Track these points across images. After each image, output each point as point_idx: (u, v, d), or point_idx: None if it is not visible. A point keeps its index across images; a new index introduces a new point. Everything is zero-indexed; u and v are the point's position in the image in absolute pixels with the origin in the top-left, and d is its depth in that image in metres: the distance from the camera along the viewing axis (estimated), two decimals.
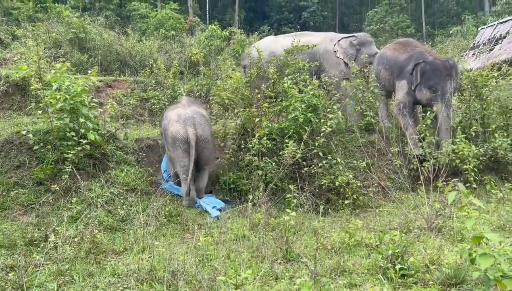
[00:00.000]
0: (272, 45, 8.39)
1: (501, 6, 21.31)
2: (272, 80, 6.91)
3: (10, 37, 11.72)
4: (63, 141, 5.54)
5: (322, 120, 6.29)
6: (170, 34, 13.79)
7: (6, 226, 4.61)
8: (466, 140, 6.28)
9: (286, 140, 5.98)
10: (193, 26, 18.56)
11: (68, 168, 5.18)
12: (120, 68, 10.86)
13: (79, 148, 5.40)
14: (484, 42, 13.65)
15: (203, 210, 5.75)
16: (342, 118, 6.81)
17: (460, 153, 6.06)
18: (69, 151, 5.32)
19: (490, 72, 7.24)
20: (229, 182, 6.25)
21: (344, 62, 8.13)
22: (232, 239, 4.55)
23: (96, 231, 4.36)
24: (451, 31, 20.74)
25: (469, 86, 7.17)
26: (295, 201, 5.08)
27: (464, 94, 7.35)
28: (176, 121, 5.89)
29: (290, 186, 5.33)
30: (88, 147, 5.49)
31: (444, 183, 4.66)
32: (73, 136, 5.50)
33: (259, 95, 6.70)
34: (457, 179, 3.73)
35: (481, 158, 6.22)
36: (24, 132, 5.63)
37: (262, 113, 6.48)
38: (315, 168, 5.95)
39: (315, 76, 7.48)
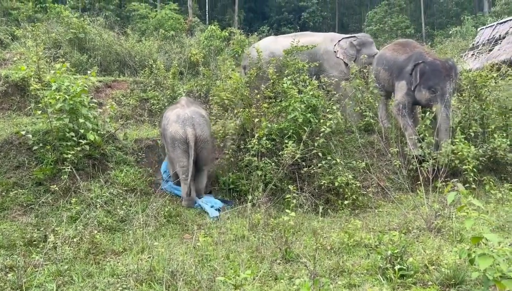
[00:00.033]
0: (272, 45, 8.40)
1: (500, 6, 21.34)
2: (272, 81, 6.92)
3: (10, 37, 11.71)
4: (62, 141, 5.54)
5: (321, 121, 6.30)
6: (170, 35, 13.80)
7: (6, 226, 4.61)
8: (466, 141, 6.29)
9: (286, 141, 5.98)
10: (193, 26, 18.58)
11: (68, 168, 5.18)
12: (119, 68, 10.86)
13: (79, 148, 5.40)
14: (483, 42, 13.67)
15: (202, 210, 5.75)
16: (341, 119, 6.82)
17: (459, 153, 6.06)
18: (68, 151, 5.32)
19: (489, 73, 7.25)
20: (229, 182, 6.25)
21: (344, 62, 8.14)
22: (232, 239, 4.55)
23: (96, 231, 4.37)
24: (450, 32, 20.77)
25: (468, 87, 7.18)
26: (294, 201, 5.10)
27: (464, 94, 7.36)
28: (175, 122, 5.89)
29: (289, 186, 5.34)
30: (87, 147, 5.49)
31: (444, 183, 4.66)
32: (72, 136, 5.50)
33: (258, 96, 6.70)
34: (456, 179, 3.73)
35: (480, 158, 6.23)
36: (23, 133, 5.63)
37: (262, 113, 6.48)
38: (314, 168, 5.95)
39: (316, 76, 7.47)
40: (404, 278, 3.37)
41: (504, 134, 6.73)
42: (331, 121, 6.25)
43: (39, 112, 5.82)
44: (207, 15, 26.11)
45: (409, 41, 7.92)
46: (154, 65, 9.60)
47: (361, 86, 7.37)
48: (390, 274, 3.38)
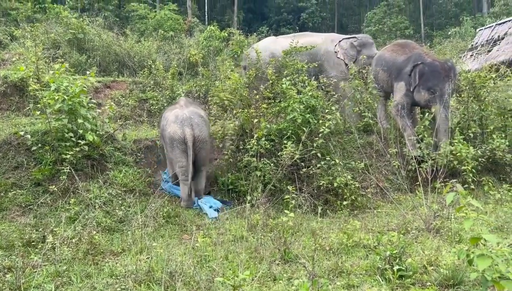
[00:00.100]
0: (272, 46, 8.40)
1: (499, 7, 21.38)
2: (271, 81, 6.92)
3: (9, 37, 11.70)
4: (61, 142, 5.54)
5: (320, 121, 6.30)
6: (169, 35, 13.80)
7: (4, 227, 4.60)
8: (464, 142, 6.29)
9: (285, 141, 5.98)
10: (192, 27, 18.59)
11: (66, 169, 5.18)
12: (118, 69, 10.85)
13: (77, 149, 5.39)
14: (482, 43, 13.70)
15: (201, 210, 5.74)
16: (340, 119, 6.82)
17: (458, 154, 6.07)
18: (67, 152, 5.32)
19: (488, 74, 7.26)
20: (228, 183, 6.25)
21: (345, 63, 8.14)
22: (230, 240, 4.55)
23: (94, 232, 4.36)
24: (449, 33, 20.80)
25: (467, 88, 7.18)
26: (293, 201, 5.09)
27: (462, 95, 7.37)
28: (173, 122, 5.89)
29: (288, 187, 5.34)
30: (86, 147, 5.49)
31: (442, 184, 4.66)
32: (71, 137, 5.50)
33: (257, 96, 6.70)
34: (455, 180, 3.75)
35: (479, 159, 6.22)
36: (22, 133, 5.63)
37: (261, 114, 6.48)
38: (313, 168, 5.95)
39: (316, 77, 7.47)
40: (403, 278, 3.37)
41: (503, 135, 6.74)
42: (330, 122, 6.26)
43: (38, 112, 5.81)
44: (206, 16, 26.11)
45: (408, 42, 7.93)
46: (153, 66, 9.60)
47: (360, 87, 7.37)
48: (389, 275, 3.38)
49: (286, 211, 4.31)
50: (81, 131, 5.55)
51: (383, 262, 3.50)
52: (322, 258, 3.93)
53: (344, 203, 5.62)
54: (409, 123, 6.79)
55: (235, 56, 12.05)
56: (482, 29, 14.82)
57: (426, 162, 5.62)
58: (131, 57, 11.12)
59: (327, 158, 6.08)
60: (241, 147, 6.46)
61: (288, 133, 6.24)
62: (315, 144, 6.10)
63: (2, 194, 5.08)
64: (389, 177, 6.61)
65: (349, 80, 7.62)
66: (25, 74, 7.21)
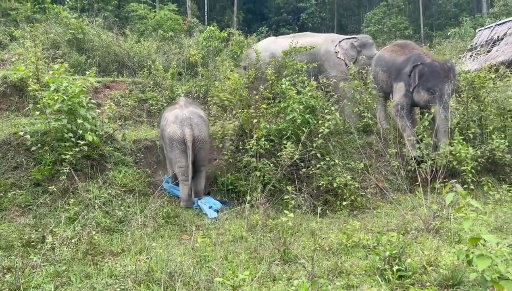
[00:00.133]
0: (273, 46, 8.41)
1: (498, 8, 21.40)
2: (270, 82, 6.92)
3: (8, 38, 11.69)
4: (60, 142, 5.53)
5: (320, 122, 6.30)
6: (169, 35, 13.80)
7: (3, 227, 4.59)
8: (464, 142, 6.30)
9: (284, 142, 5.98)
10: (192, 27, 18.59)
11: (66, 169, 5.18)
12: (118, 69, 10.84)
13: (77, 149, 5.39)
14: (481, 43, 13.71)
15: (201, 211, 5.74)
16: (340, 120, 6.82)
17: (457, 155, 6.07)
18: (66, 152, 5.31)
19: (488, 74, 7.26)
20: (227, 183, 6.25)
21: (345, 63, 8.14)
22: (230, 240, 4.55)
23: (94, 232, 4.36)
24: (449, 33, 20.80)
25: (466, 88, 7.19)
26: (293, 202, 5.09)
27: (462, 96, 7.37)
28: (173, 122, 5.89)
29: (288, 187, 5.34)
30: (86, 148, 5.49)
31: (442, 184, 4.66)
32: (70, 137, 5.50)
33: (257, 97, 6.70)
34: (454, 180, 3.74)
35: (478, 159, 6.23)
36: (21, 133, 5.62)
37: (260, 114, 6.48)
38: (313, 169, 5.95)
39: (316, 77, 7.47)
40: (402, 279, 3.37)
41: (503, 135, 6.74)
42: (330, 122, 6.26)
43: (38, 113, 5.81)
44: (206, 16, 26.09)
45: (408, 43, 7.93)
46: (152, 66, 9.60)
47: (360, 87, 7.37)
48: (389, 275, 3.38)
49: (285, 211, 4.31)
50: (80, 131, 5.55)
51: (383, 262, 3.51)
52: (322, 258, 3.93)
53: (344, 203, 5.63)
54: (408, 124, 6.80)
55: (235, 56, 12.05)
56: (481, 30, 14.83)
57: (426, 162, 5.62)
58: (131, 58, 11.12)
59: (326, 158, 6.08)
60: (240, 147, 6.46)
61: (288, 134, 6.24)
62: (314, 145, 6.10)
63: (1, 194, 5.07)
64: (389, 177, 6.61)
65: (349, 81, 7.62)
66: (25, 75, 7.21)
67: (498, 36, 13.15)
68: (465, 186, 5.46)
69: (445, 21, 29.19)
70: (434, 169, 5.30)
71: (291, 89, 6.54)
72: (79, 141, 5.45)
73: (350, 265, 3.76)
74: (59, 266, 3.70)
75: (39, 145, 5.57)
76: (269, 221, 4.76)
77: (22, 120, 7.14)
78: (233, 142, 6.50)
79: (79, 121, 5.60)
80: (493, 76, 7.28)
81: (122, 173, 5.83)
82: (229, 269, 3.66)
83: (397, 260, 3.46)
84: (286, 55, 7.34)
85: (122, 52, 11.16)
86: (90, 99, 6.23)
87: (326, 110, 6.53)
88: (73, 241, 4.16)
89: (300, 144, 5.95)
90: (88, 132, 5.60)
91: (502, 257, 2.58)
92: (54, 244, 3.95)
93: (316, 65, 7.70)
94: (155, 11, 19.71)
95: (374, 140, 6.97)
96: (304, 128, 6.14)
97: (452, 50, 14.69)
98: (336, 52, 8.19)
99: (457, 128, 6.76)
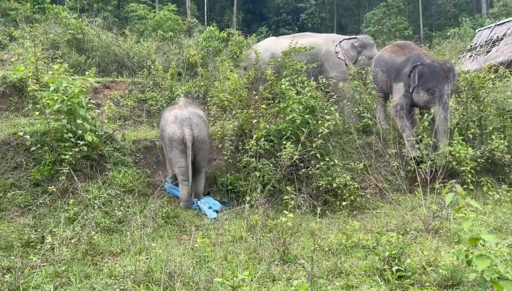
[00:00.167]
0: (273, 46, 8.42)
1: (498, 8, 21.40)
2: (270, 82, 6.92)
3: (8, 38, 11.68)
4: (60, 142, 5.53)
5: (319, 122, 6.30)
6: (168, 36, 13.79)
7: (3, 228, 4.59)
8: (463, 142, 6.31)
9: (284, 142, 5.98)
10: (191, 27, 18.57)
11: (65, 169, 5.18)
12: (118, 69, 10.84)
13: (76, 149, 5.39)
14: (481, 44, 13.71)
15: (201, 211, 5.74)
16: (339, 120, 6.83)
17: (457, 155, 6.08)
18: (66, 152, 5.31)
19: (487, 74, 7.27)
20: (227, 183, 6.25)
21: (345, 63, 8.14)
22: (229, 241, 4.54)
23: (93, 233, 4.36)
24: (448, 33, 20.78)
25: (466, 88, 7.19)
26: (292, 202, 5.10)
27: (461, 96, 7.38)
28: (172, 122, 5.89)
29: (287, 187, 5.35)
30: (85, 148, 5.48)
31: (441, 184, 4.67)
32: (70, 137, 5.50)
33: (256, 97, 6.70)
34: (454, 181, 3.74)
35: (478, 160, 6.24)
36: (21, 134, 5.62)
37: (260, 114, 6.48)
38: (312, 169, 5.96)
39: (316, 77, 7.48)
40: (402, 279, 3.37)
41: (502, 136, 6.75)
42: (329, 123, 6.27)
43: (37, 113, 5.81)
44: (205, 16, 26.09)
45: (407, 43, 7.94)
46: (152, 66, 9.60)
47: (360, 87, 7.38)
48: (388, 275, 3.39)
49: (285, 212, 4.31)
50: (80, 131, 5.55)
51: (382, 263, 3.51)
52: (321, 259, 3.93)
53: (343, 203, 5.63)
54: (408, 124, 6.80)
55: (235, 56, 12.05)
56: (481, 30, 14.83)
57: (425, 162, 5.63)
58: (130, 58, 11.11)
59: (326, 159, 6.09)
60: (240, 147, 6.46)
61: (287, 134, 6.24)
62: (314, 145, 6.11)
63: (1, 194, 5.07)
64: (388, 178, 6.62)
65: (349, 81, 7.62)
66: (24, 75, 7.21)
67: (497, 37, 13.16)
68: (465, 186, 5.47)
69: (444, 21, 29.18)
70: (433, 169, 5.30)
71: (290, 90, 6.55)
72: (78, 141, 5.45)
73: (350, 265, 3.76)
74: (58, 266, 3.70)
75: (38, 145, 5.56)
76: (269, 221, 4.76)
77: (21, 121, 7.13)
78: (232, 143, 6.50)
79: (79, 121, 5.60)
80: (492, 76, 7.29)
81: (121, 173, 5.83)
82: (229, 269, 3.66)
83: (396, 260, 3.46)
84: (285, 55, 7.35)
85: (121, 52, 11.15)
86: (89, 99, 6.23)
87: (325, 111, 6.53)
88: (72, 241, 4.16)
89: (300, 144, 5.95)
90: (88, 132, 5.60)
91: (501, 257, 2.58)
92: (54, 244, 3.95)
93: (316, 66, 7.71)
94: (154, 11, 19.69)
95: (373, 140, 6.98)
96: (303, 129, 6.14)
97: (451, 50, 14.69)
98: (337, 52, 8.20)
99: (456, 129, 6.77)
